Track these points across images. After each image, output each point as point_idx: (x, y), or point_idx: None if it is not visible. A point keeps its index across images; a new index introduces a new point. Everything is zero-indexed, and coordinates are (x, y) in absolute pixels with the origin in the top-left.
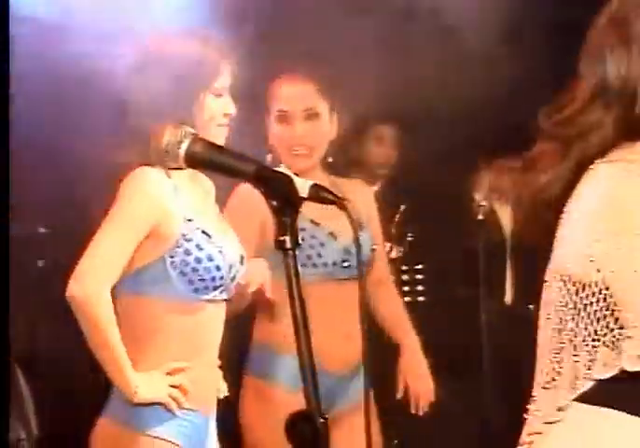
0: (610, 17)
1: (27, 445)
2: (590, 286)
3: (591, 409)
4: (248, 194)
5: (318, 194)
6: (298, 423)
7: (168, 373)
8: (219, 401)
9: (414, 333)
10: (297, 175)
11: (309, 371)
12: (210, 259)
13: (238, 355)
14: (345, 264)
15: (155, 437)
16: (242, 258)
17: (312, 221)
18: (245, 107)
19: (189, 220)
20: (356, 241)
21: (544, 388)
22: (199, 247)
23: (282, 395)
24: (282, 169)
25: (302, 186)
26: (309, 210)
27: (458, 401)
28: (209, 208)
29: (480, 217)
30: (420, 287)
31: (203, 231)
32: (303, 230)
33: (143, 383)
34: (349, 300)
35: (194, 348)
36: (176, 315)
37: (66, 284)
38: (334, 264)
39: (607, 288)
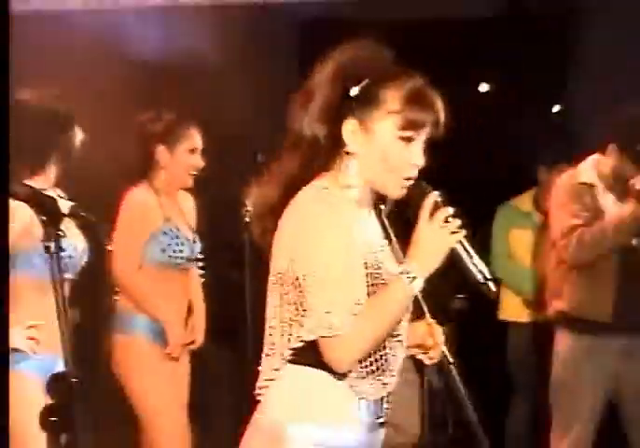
0: (305, 85)
1: None
2: (288, 279)
3: (298, 368)
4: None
5: (75, 212)
6: (55, 381)
7: (28, 328)
8: None
9: None
10: None
11: (68, 342)
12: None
13: None
14: None
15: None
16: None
17: None
18: None
19: None
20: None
21: (266, 355)
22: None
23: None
24: (50, 192)
25: (64, 205)
26: None
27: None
28: None
29: (247, 219)
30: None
31: None
32: None
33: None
34: None
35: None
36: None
37: None
38: None
39: (299, 282)
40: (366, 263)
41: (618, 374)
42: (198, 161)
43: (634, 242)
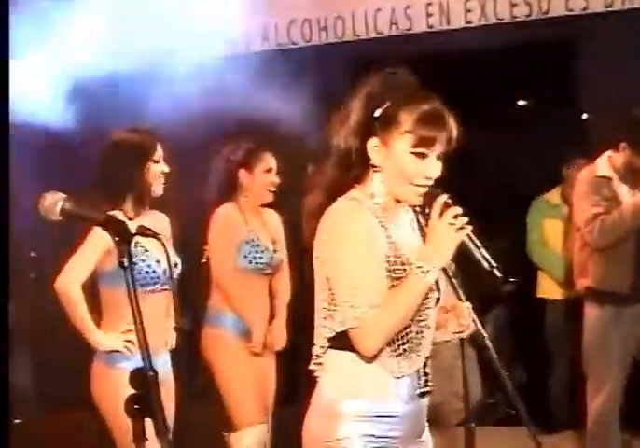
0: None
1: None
2: (323, 277)
3: (339, 352)
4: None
5: (141, 231)
6: (135, 375)
7: (123, 333)
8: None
9: None
10: None
11: (144, 345)
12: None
13: None
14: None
15: (120, 368)
16: (175, 264)
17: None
18: None
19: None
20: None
21: (314, 344)
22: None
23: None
24: (119, 216)
25: (132, 226)
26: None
27: None
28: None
29: None
30: None
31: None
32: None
33: (103, 338)
34: None
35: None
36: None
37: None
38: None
39: (328, 280)
40: (389, 261)
41: (639, 337)
42: (274, 179)
43: None
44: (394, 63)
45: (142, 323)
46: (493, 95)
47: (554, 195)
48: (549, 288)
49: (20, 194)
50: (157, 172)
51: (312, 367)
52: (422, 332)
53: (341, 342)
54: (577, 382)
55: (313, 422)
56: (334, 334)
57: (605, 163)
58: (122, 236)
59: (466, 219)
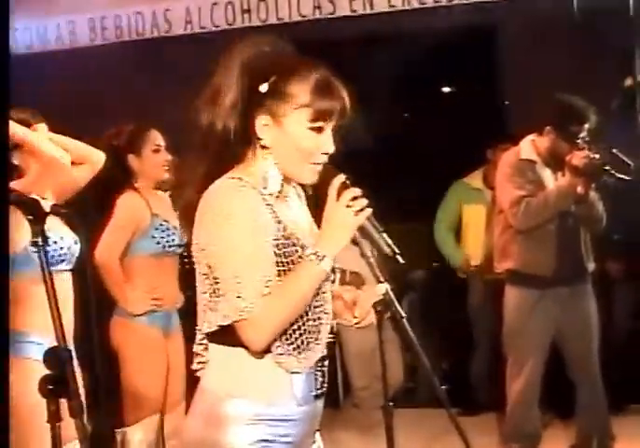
0: (210, 81)
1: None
2: (202, 268)
3: (223, 348)
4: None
5: (55, 210)
6: (49, 355)
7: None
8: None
9: None
10: None
11: (59, 328)
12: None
13: None
14: None
15: (35, 359)
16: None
17: None
18: None
19: None
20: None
21: (196, 341)
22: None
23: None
24: (34, 195)
25: (45, 205)
26: None
27: None
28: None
29: None
30: None
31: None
32: None
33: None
34: None
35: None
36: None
37: None
38: None
39: (211, 271)
40: (277, 245)
41: (558, 319)
42: (165, 156)
43: (573, 208)
44: (313, 48)
45: (57, 302)
46: (417, 80)
47: (475, 178)
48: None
49: None
50: None
51: (195, 366)
52: (319, 319)
53: (225, 336)
54: (498, 363)
55: (194, 425)
56: (216, 328)
57: (529, 147)
58: (35, 215)
59: (365, 202)
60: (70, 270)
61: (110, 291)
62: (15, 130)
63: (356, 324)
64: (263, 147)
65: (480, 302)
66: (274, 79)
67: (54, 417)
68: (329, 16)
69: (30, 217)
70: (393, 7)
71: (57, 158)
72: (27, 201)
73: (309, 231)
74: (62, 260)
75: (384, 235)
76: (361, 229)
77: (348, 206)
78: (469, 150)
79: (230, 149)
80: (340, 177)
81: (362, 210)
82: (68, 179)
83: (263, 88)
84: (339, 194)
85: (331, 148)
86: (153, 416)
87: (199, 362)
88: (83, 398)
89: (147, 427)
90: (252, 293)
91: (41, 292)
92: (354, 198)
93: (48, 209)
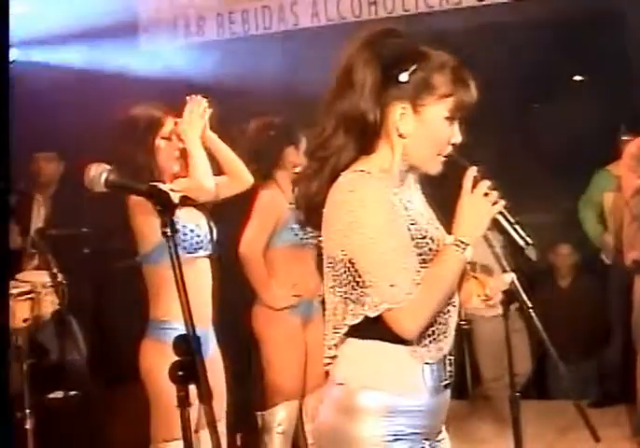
0: (340, 68)
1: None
2: (339, 262)
3: (360, 341)
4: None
5: (184, 202)
6: (179, 342)
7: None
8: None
9: None
10: None
11: (187, 316)
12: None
13: None
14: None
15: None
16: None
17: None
18: None
19: None
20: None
21: (326, 334)
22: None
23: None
24: (162, 186)
25: (174, 196)
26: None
27: None
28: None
29: None
30: None
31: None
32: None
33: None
34: None
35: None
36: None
37: None
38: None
39: (351, 263)
40: (411, 235)
41: None
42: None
43: None
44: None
45: (185, 290)
46: (551, 69)
47: (616, 167)
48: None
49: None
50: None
51: (326, 361)
52: (449, 312)
53: (366, 329)
54: (630, 354)
55: (329, 416)
56: (361, 320)
57: None
58: (166, 206)
59: (497, 194)
60: (208, 256)
61: (253, 284)
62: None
63: (487, 302)
64: (400, 136)
65: (616, 292)
66: (415, 69)
67: (184, 402)
68: (456, 6)
69: (159, 208)
70: None
71: (207, 188)
72: (157, 192)
73: (429, 222)
74: (200, 247)
75: (517, 227)
76: (494, 220)
77: (485, 195)
78: (606, 139)
79: (364, 138)
80: (474, 169)
81: (497, 202)
82: (208, 198)
83: (403, 77)
84: (474, 186)
85: (459, 139)
86: (292, 401)
87: (329, 357)
88: (224, 380)
89: (287, 410)
90: (406, 281)
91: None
92: (487, 190)
93: (177, 200)
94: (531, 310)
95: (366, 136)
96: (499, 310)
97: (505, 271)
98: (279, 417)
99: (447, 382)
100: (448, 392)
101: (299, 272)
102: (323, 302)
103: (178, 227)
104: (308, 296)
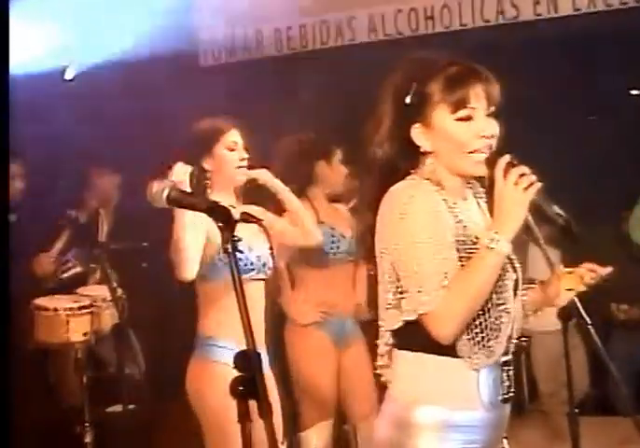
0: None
1: (138, 376)
2: (387, 268)
3: (412, 354)
4: None
5: (245, 217)
6: (240, 357)
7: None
8: None
9: None
10: None
11: (249, 333)
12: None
13: None
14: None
15: (223, 363)
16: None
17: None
18: None
19: None
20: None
21: (378, 344)
22: None
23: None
24: (223, 203)
25: (235, 213)
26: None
27: None
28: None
29: None
30: None
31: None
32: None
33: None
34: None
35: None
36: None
37: None
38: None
39: (394, 268)
40: (459, 241)
41: None
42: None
43: None
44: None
45: (246, 307)
46: (604, 83)
47: None
48: None
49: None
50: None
51: (378, 371)
52: (500, 317)
53: (410, 339)
54: None
55: (385, 430)
56: (401, 325)
57: None
58: (226, 222)
59: (533, 177)
60: (262, 279)
61: (280, 299)
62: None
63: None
64: (424, 154)
65: None
66: (414, 87)
67: (244, 417)
68: (512, 21)
69: (220, 225)
70: (578, 10)
71: (315, 239)
72: (217, 208)
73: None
74: (252, 269)
75: (555, 207)
76: (534, 207)
77: (516, 184)
78: None
79: (402, 162)
80: (505, 158)
81: (531, 185)
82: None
83: (407, 99)
84: (505, 174)
85: (489, 130)
86: (326, 421)
87: (381, 366)
88: (278, 399)
89: (320, 432)
90: (432, 286)
91: (230, 298)
92: (522, 175)
93: (237, 217)
94: (589, 326)
95: (404, 160)
96: (558, 325)
97: (554, 271)
98: (311, 441)
99: (505, 396)
100: (507, 407)
101: (329, 289)
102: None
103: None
104: (338, 314)
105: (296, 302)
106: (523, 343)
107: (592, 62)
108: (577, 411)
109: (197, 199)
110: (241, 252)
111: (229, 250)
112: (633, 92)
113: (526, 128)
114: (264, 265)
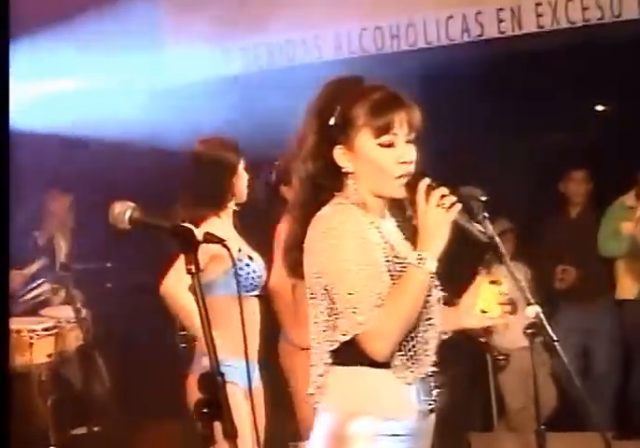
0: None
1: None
2: (318, 291)
3: (345, 369)
4: None
5: (208, 238)
6: (204, 379)
7: None
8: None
9: None
10: None
11: (212, 350)
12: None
13: None
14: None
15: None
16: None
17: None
18: None
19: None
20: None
21: (311, 365)
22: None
23: None
24: (186, 224)
25: (198, 233)
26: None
27: None
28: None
29: None
30: None
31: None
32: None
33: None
34: None
35: None
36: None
37: None
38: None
39: (327, 291)
40: (388, 261)
41: None
42: None
43: None
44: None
45: (210, 328)
46: (570, 99)
47: (629, 197)
48: (628, 289)
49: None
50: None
51: (310, 391)
52: (427, 331)
53: (347, 355)
54: None
55: (320, 445)
56: (337, 346)
57: None
58: (190, 244)
59: (453, 198)
60: (257, 295)
61: (281, 320)
62: None
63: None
64: (347, 175)
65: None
66: (339, 110)
67: (208, 440)
68: (477, 38)
69: (183, 247)
70: (541, 27)
71: None
72: (181, 230)
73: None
74: (256, 286)
75: (477, 225)
76: (457, 227)
77: (438, 205)
78: (622, 171)
79: (325, 184)
80: (425, 181)
81: (452, 206)
82: None
83: (331, 120)
84: (427, 196)
85: (408, 157)
86: None
87: (315, 387)
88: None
89: None
90: (367, 307)
91: (228, 315)
92: (443, 196)
93: (200, 238)
94: (556, 343)
95: (328, 181)
96: (525, 342)
97: (530, 303)
98: None
99: (431, 406)
100: (433, 417)
101: None
102: None
103: (242, 265)
104: None
105: (298, 326)
106: (502, 362)
107: (557, 77)
108: (543, 427)
109: (160, 220)
110: (254, 272)
111: (193, 271)
112: (598, 108)
113: (493, 141)
114: (262, 281)
